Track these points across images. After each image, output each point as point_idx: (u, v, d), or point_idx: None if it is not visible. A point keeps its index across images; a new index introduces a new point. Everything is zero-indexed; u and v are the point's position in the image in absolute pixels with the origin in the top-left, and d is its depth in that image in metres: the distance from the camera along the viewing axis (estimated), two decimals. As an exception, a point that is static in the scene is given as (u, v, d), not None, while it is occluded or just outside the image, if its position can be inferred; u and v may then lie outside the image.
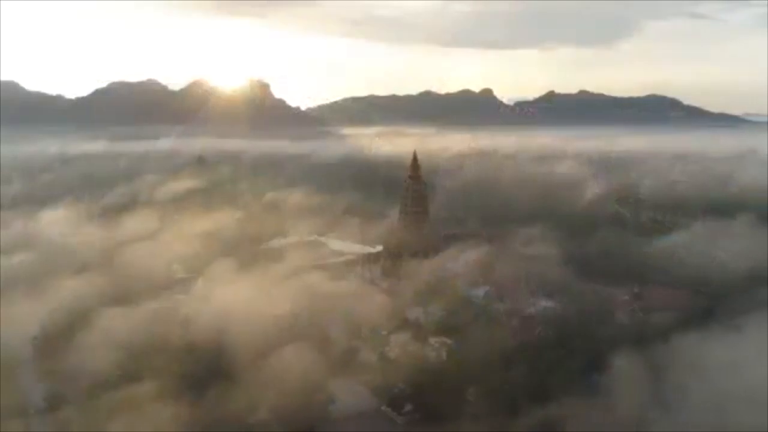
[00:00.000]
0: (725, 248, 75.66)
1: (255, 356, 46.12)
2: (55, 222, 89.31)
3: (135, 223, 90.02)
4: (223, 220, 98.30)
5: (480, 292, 71.00)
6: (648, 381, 41.93)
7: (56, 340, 49.40)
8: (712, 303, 60.28)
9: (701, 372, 41.51)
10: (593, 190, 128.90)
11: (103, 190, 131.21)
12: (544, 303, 68.32)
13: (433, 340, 57.22)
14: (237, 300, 56.90)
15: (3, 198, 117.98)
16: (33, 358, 48.18)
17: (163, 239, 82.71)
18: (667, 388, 39.66)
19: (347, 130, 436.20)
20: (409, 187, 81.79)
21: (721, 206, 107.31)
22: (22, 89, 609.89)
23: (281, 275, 72.18)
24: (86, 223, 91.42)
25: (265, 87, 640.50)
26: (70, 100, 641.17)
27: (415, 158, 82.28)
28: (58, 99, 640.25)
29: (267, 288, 64.77)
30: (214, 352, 45.18)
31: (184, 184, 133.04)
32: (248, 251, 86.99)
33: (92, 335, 46.30)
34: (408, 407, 43.31)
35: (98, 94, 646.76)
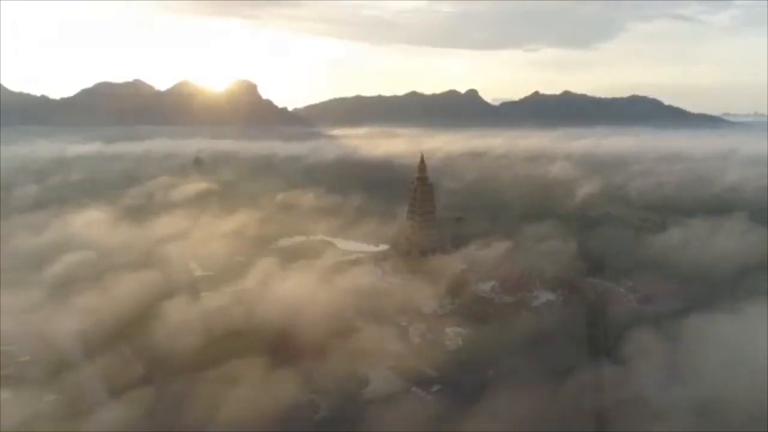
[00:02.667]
0: (715, 245, 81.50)
1: (295, 345, 50.97)
2: (89, 224, 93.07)
3: (161, 224, 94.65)
4: (237, 221, 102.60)
5: (487, 286, 76.06)
6: (647, 361, 47.24)
7: (136, 328, 54.33)
8: (701, 294, 65.86)
9: (690, 351, 47.42)
10: (585, 189, 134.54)
11: (115, 191, 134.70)
12: (547, 296, 73.62)
13: (449, 330, 62.15)
14: (270, 295, 61.93)
15: (26, 200, 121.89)
16: (118, 344, 52.47)
17: (192, 239, 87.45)
18: (666, 367, 45.04)
19: (336, 131, 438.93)
20: (417, 187, 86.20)
21: (707, 205, 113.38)
22: (7, 90, 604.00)
23: (299, 273, 76.59)
24: (116, 224, 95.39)
25: (252, 87, 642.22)
26: (56, 101, 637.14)
27: (422, 160, 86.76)
28: (42, 100, 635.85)
29: (292, 284, 69.39)
30: (264, 342, 50.15)
31: (192, 186, 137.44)
32: (264, 250, 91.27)
33: (167, 323, 51.41)
34: (436, 387, 48.17)
35: (84, 94, 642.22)
